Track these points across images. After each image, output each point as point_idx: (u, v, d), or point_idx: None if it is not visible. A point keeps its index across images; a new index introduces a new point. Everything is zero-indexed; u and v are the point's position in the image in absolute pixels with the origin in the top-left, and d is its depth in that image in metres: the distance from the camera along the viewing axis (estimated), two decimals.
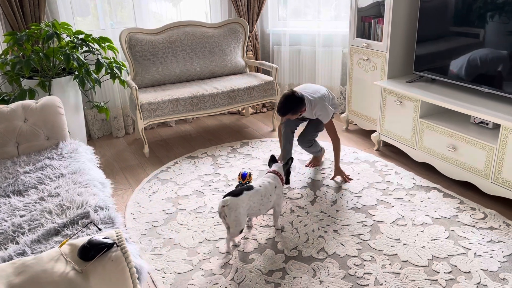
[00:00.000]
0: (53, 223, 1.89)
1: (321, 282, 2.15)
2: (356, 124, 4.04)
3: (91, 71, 3.23)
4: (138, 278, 1.73)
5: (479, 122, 2.93)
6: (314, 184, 3.08)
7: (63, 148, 2.59)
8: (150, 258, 2.38)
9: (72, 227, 1.87)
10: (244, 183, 2.85)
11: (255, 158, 3.53)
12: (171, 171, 3.38)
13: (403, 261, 2.27)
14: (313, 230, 2.56)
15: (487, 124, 2.88)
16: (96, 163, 2.68)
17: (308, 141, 3.19)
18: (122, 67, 3.39)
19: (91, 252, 1.22)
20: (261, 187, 2.42)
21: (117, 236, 1.31)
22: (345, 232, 2.54)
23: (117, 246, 1.26)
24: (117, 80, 3.54)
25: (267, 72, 4.56)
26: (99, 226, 1.56)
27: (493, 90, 2.84)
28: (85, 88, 3.40)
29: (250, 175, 2.90)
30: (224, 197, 2.31)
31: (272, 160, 2.68)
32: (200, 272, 2.25)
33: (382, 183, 3.06)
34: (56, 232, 1.84)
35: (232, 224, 2.30)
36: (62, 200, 2.05)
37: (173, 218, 2.74)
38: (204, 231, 2.59)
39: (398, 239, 2.45)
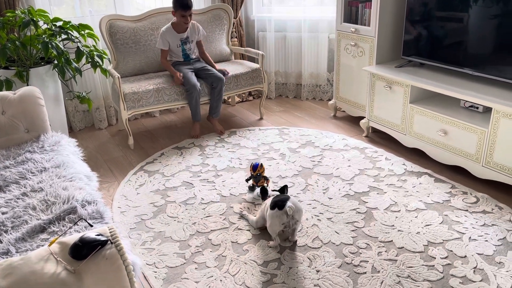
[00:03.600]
0: (38, 219, 1.79)
1: (317, 271, 2.11)
2: (344, 111, 4.00)
3: (71, 60, 3.09)
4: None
5: (469, 106, 2.92)
6: (304, 172, 3.03)
7: (45, 141, 2.47)
8: (141, 252, 2.30)
9: (59, 223, 1.78)
10: (256, 174, 2.75)
11: (244, 147, 3.46)
12: (157, 162, 3.28)
13: (399, 248, 2.24)
14: (306, 219, 2.52)
15: (477, 108, 2.87)
16: (80, 155, 2.57)
17: (219, 79, 3.55)
18: (104, 56, 3.25)
19: (83, 250, 1.14)
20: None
21: (110, 232, 1.23)
22: (339, 220, 2.50)
23: (111, 243, 1.18)
24: (98, 70, 3.41)
25: (252, 60, 4.46)
26: (90, 222, 1.47)
27: (483, 74, 2.83)
28: (65, 78, 3.26)
29: (261, 165, 2.76)
30: (276, 208, 2.20)
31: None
32: (193, 266, 2.19)
33: (373, 170, 3.03)
34: (42, 229, 1.75)
35: (298, 224, 2.29)
36: (47, 195, 1.95)
37: (162, 211, 2.66)
38: (195, 223, 2.52)
39: (393, 225, 2.43)
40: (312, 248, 2.27)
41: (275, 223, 2.21)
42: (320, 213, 2.57)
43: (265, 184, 2.75)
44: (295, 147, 3.42)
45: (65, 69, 3.00)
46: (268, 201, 2.35)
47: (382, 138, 3.52)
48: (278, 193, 2.43)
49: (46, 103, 3.17)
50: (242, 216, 2.55)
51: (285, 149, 3.40)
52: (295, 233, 2.32)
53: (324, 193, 2.77)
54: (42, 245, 1.65)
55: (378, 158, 3.19)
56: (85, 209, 1.84)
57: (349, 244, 2.29)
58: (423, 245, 2.25)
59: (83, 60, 3.25)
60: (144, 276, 2.14)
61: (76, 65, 3.13)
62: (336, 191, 2.78)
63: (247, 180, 2.80)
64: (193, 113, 3.60)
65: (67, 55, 3.06)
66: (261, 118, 4.08)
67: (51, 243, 1.18)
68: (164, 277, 2.12)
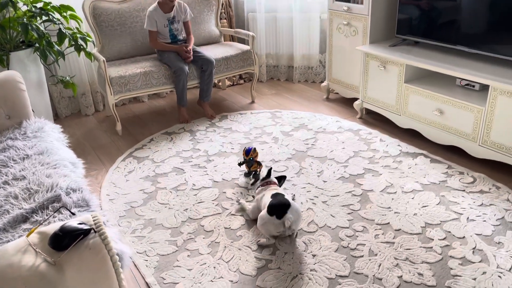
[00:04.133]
0: (20, 209, 1.71)
1: (313, 256, 2.05)
2: (337, 93, 3.92)
3: (53, 43, 2.96)
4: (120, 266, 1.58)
5: (466, 85, 2.85)
6: (298, 156, 2.96)
7: (27, 127, 2.36)
8: (131, 241, 2.22)
9: (42, 212, 1.69)
10: (248, 159, 2.65)
11: (236, 131, 3.37)
12: (147, 148, 3.19)
13: (396, 230, 2.19)
14: (301, 203, 2.45)
15: (474, 86, 2.81)
16: (65, 142, 2.47)
17: (210, 61, 3.46)
18: (88, 38, 3.12)
19: (64, 240, 1.05)
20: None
21: (94, 220, 1.15)
22: (334, 203, 2.44)
23: (95, 231, 1.10)
24: (82, 53, 3.28)
25: (242, 41, 4.35)
26: (72, 210, 1.38)
27: (479, 51, 2.75)
28: (48, 62, 3.13)
29: (254, 150, 2.66)
30: (274, 215, 2.05)
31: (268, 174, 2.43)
32: (185, 253, 2.12)
33: (368, 151, 2.97)
34: (24, 218, 1.66)
35: (297, 227, 2.16)
36: (29, 184, 1.86)
37: (152, 198, 2.58)
38: (187, 209, 2.45)
39: (389, 207, 2.37)
40: (308, 232, 2.21)
41: (270, 228, 2.09)
42: (315, 196, 2.51)
43: (258, 170, 2.68)
44: (288, 130, 3.34)
45: (47, 52, 2.87)
46: (267, 193, 2.22)
47: (376, 120, 3.45)
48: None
49: (29, 88, 3.05)
50: (239, 204, 2.45)
51: (278, 132, 3.32)
52: (293, 237, 2.18)
53: (318, 176, 2.71)
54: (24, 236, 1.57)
55: (373, 140, 3.13)
56: (70, 197, 1.75)
57: (345, 228, 2.23)
58: (421, 226, 2.20)
59: (66, 43, 3.12)
60: (135, 265, 2.07)
61: (58, 48, 3.00)
62: (331, 174, 2.72)
63: (239, 164, 2.73)
64: (178, 97, 3.50)
65: (48, 38, 2.93)
66: (252, 102, 3.98)
67: (30, 233, 1.09)
68: (155, 265, 2.05)
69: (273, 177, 2.39)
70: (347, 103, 3.80)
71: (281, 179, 2.44)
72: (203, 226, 2.30)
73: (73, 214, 1.30)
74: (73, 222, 1.11)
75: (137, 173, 2.86)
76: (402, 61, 2.99)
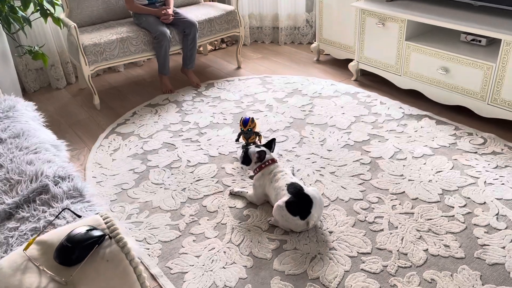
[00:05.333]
0: (2, 203, 1.46)
1: (330, 232, 1.90)
2: (328, 54, 3.71)
3: (17, 8, 2.59)
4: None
5: (471, 40, 2.69)
6: (297, 124, 2.77)
7: None
8: (127, 228, 2.01)
9: (29, 206, 1.45)
10: (246, 130, 2.40)
11: (225, 100, 3.13)
12: (130, 123, 2.92)
13: (413, 199, 2.06)
14: (308, 175, 2.28)
15: (480, 41, 2.65)
16: (42, 121, 2.19)
17: (193, 24, 3.17)
18: (55, 2, 2.76)
19: (75, 252, 0.84)
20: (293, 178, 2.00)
21: (106, 222, 0.93)
22: (343, 173, 2.28)
23: (110, 238, 0.88)
24: (50, 20, 2.91)
25: (222, 1, 4.03)
26: (78, 213, 1.15)
27: (487, 3, 2.58)
28: (12, 30, 2.75)
29: (252, 120, 2.41)
30: (298, 216, 1.84)
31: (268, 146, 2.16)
32: (190, 238, 1.92)
33: (370, 116, 2.81)
34: (8, 215, 1.42)
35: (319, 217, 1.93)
36: (8, 173, 1.60)
37: (145, 178, 2.35)
38: (185, 189, 2.23)
39: (402, 175, 2.24)
40: None
41: (291, 226, 1.88)
42: (322, 167, 2.34)
43: (258, 141, 2.48)
44: (282, 97, 3.13)
45: (10, 19, 2.51)
46: (277, 177, 1.95)
47: (373, 81, 3.28)
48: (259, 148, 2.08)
49: None
50: (234, 194, 2.18)
51: (271, 99, 3.11)
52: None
53: (321, 145, 2.53)
54: (11, 236, 1.33)
55: (373, 103, 2.96)
56: (60, 187, 1.52)
57: (359, 200, 2.09)
58: (438, 194, 2.08)
59: (31, 7, 2.75)
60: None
61: (23, 13, 2.64)
62: (335, 142, 2.55)
63: (237, 140, 2.51)
64: (160, 66, 3.20)
65: (10, 2, 2.55)
66: (238, 67, 3.72)
67: (28, 245, 0.87)
68: (159, 254, 1.85)
69: (269, 153, 2.10)
70: (340, 64, 3.60)
71: (271, 144, 2.16)
72: (205, 206, 2.11)
73: (79, 216, 1.06)
74: (81, 228, 0.89)
75: (123, 151, 2.60)
76: (403, 17, 2.79)
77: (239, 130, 2.46)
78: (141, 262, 1.83)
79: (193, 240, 1.91)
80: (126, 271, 0.85)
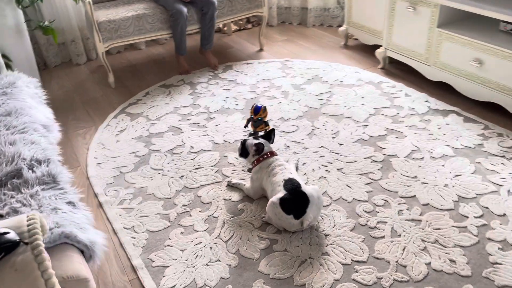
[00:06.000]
0: None
1: (326, 235, 1.76)
2: (357, 39, 3.47)
3: None
4: (90, 256, 1.30)
5: (511, 30, 2.40)
6: (311, 113, 2.60)
7: None
8: (118, 214, 1.95)
9: (0, 191, 1.40)
10: (256, 118, 2.28)
11: (241, 84, 3.00)
12: (141, 103, 2.86)
13: (423, 205, 1.87)
14: (313, 170, 2.14)
15: None
16: (43, 99, 2.16)
17: (211, 2, 3.02)
18: None
19: None
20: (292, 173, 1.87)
21: (28, 226, 0.84)
22: (352, 170, 2.11)
23: (25, 244, 0.80)
24: None
25: None
26: (46, 201, 1.07)
27: None
28: (24, 4, 2.73)
29: (265, 109, 2.28)
30: (292, 215, 1.72)
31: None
32: (178, 230, 1.84)
33: (391, 108, 2.60)
34: None
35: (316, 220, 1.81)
36: None
37: (145, 162, 2.28)
38: (182, 176, 2.15)
39: (415, 176, 2.04)
40: None
41: (284, 225, 1.76)
42: (329, 162, 2.18)
43: (265, 131, 2.34)
44: (300, 83, 2.96)
45: None
46: (275, 172, 1.83)
47: (401, 70, 3.03)
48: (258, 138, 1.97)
49: (5, 36, 2.70)
50: (231, 186, 2.07)
51: (288, 85, 2.94)
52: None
53: (333, 138, 2.37)
54: None
55: (397, 94, 2.74)
56: (33, 171, 1.47)
57: (363, 201, 1.92)
58: (453, 200, 1.88)
59: None
60: (120, 243, 1.81)
61: None
62: (348, 135, 2.37)
63: (245, 126, 2.38)
64: (177, 45, 3.10)
65: None
66: (261, 49, 3.56)
67: None
68: (143, 244, 1.79)
69: (267, 145, 1.97)
70: (368, 51, 3.36)
71: (271, 135, 2.03)
72: (200, 197, 2.02)
73: (1, 216, 0.99)
74: None
75: (129, 132, 2.55)
76: (436, 1, 2.53)
77: (249, 116, 2.33)
78: (123, 249, 1.77)
79: (181, 232, 1.83)
80: (36, 284, 0.77)
